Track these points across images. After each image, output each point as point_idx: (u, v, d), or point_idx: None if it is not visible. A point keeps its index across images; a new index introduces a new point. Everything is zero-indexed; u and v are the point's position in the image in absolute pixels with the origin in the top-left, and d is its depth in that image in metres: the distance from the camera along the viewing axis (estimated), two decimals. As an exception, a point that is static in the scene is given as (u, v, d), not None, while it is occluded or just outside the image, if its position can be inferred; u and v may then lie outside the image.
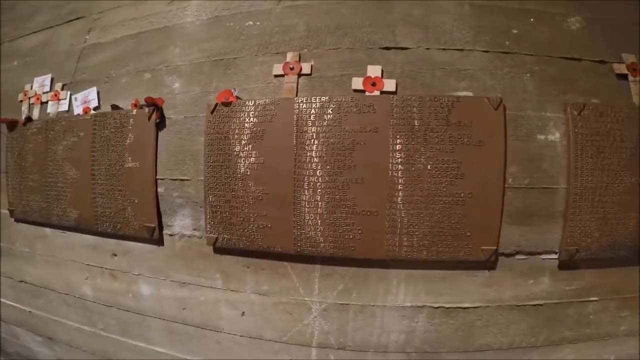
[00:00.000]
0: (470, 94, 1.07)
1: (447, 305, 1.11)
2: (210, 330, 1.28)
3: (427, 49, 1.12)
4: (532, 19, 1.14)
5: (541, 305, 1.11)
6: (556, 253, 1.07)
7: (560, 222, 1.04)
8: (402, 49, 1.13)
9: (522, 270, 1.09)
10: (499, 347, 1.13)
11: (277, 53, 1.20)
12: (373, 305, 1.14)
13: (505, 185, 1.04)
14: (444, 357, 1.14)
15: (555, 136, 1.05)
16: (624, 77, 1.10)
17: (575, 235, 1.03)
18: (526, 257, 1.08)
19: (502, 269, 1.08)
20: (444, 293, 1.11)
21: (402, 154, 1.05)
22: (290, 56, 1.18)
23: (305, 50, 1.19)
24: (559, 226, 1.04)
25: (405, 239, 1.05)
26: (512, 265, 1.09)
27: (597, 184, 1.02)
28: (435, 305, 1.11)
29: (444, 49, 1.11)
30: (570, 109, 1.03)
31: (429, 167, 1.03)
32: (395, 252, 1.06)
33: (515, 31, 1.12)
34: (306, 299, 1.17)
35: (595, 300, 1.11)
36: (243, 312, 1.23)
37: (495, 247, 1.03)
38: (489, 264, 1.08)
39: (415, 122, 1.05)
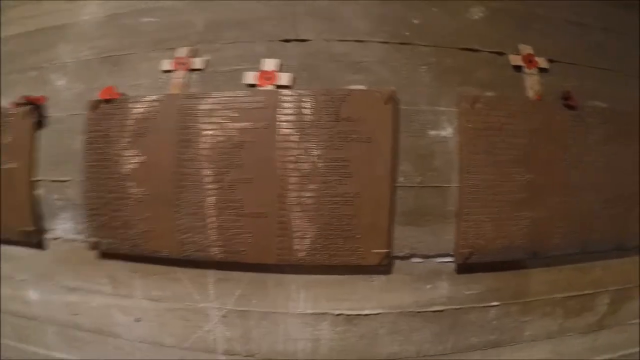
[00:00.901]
0: (363, 87, 1.02)
1: (347, 312, 1.06)
2: (107, 336, 1.20)
3: (327, 40, 1.06)
4: (434, 9, 1.09)
5: (442, 311, 1.06)
6: (452, 256, 1.02)
7: (454, 223, 1.00)
8: (302, 41, 1.07)
9: (419, 274, 1.04)
10: (408, 356, 1.08)
11: (170, 49, 1.13)
12: (275, 312, 1.08)
13: (396, 184, 0.99)
14: (354, 367, 1.12)
15: (448, 131, 1.01)
16: (519, 68, 1.07)
17: (468, 237, 0.99)
18: (422, 260, 1.03)
19: (399, 273, 1.04)
20: (345, 299, 1.06)
21: (293, 151, 0.99)
22: (181, 51, 1.10)
23: (202, 45, 1.11)
24: (452, 227, 1.00)
25: (296, 243, 0.99)
26: (409, 269, 1.04)
27: (489, 182, 0.98)
28: (336, 312, 1.05)
29: (343, 41, 1.05)
30: (463, 102, 0.99)
31: (319, 165, 0.97)
32: (287, 256, 1.00)
33: (416, 21, 1.07)
34: (202, 304, 1.10)
35: (497, 305, 1.08)
36: (138, 318, 1.15)
37: (388, 250, 0.98)
38: (384, 268, 1.03)
39: (307, 117, 0.99)
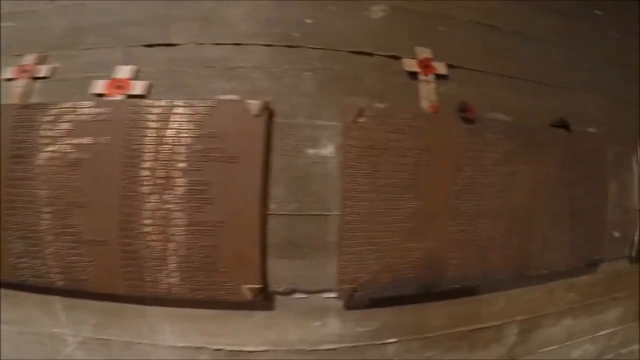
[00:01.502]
0: (235, 97, 0.87)
1: (228, 348, 0.93)
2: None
3: (200, 44, 0.90)
4: (332, 7, 0.95)
5: (335, 349, 0.95)
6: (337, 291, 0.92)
7: (335, 256, 0.88)
8: (170, 45, 0.91)
9: (303, 311, 0.93)
10: None
11: (18, 55, 0.95)
12: (140, 343, 0.94)
13: (268, 212, 0.85)
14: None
15: (329, 150, 0.88)
16: (415, 75, 0.96)
17: (349, 271, 0.87)
18: (306, 296, 0.91)
19: (282, 309, 0.92)
20: (220, 334, 0.93)
21: (142, 171, 0.82)
22: (27, 58, 0.94)
23: (56, 51, 0.95)
24: (333, 260, 0.88)
25: (149, 274, 0.84)
26: (291, 305, 0.92)
27: (372, 209, 0.87)
28: (214, 347, 0.93)
29: (218, 44, 0.90)
30: (345, 116, 0.86)
31: (174, 189, 0.82)
32: (139, 288, 0.85)
33: (309, 21, 0.94)
34: (55, 330, 0.94)
35: (395, 342, 0.99)
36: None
37: (261, 286, 0.85)
38: (265, 304, 0.90)
39: (161, 132, 0.82)
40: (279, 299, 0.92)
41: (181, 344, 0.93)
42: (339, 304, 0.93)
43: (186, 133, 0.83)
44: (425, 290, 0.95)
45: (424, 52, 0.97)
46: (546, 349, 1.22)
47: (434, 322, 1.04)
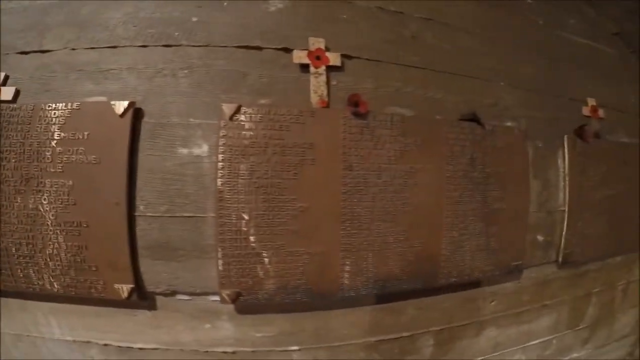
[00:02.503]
0: (103, 98, 0.84)
1: (116, 344, 0.93)
2: None
3: (73, 49, 0.88)
4: (225, 2, 0.92)
5: (234, 352, 0.93)
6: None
7: (214, 259, 0.85)
8: (44, 52, 0.89)
9: (193, 312, 0.90)
10: None
11: None
12: (29, 336, 0.95)
13: (136, 214, 0.83)
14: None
15: (203, 149, 0.84)
16: (307, 68, 0.91)
17: (231, 274, 0.84)
18: (190, 297, 0.89)
19: (166, 309, 0.90)
20: (108, 330, 0.92)
21: (8, 172, 0.80)
22: None
23: None
24: (213, 263, 0.85)
25: (19, 270, 0.83)
26: (176, 307, 0.90)
27: (251, 211, 0.83)
28: (102, 342, 0.92)
29: (92, 48, 0.87)
30: (222, 113, 0.82)
31: (39, 189, 0.80)
32: (14, 283, 0.84)
33: (195, 19, 0.90)
34: None
35: (298, 350, 0.96)
36: None
37: (133, 286, 0.83)
38: (147, 304, 0.88)
39: (27, 134, 0.80)
40: (162, 299, 0.90)
41: (69, 338, 0.93)
42: (231, 307, 0.90)
43: (47, 135, 0.80)
44: (319, 298, 0.90)
45: (316, 43, 0.92)
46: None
47: (340, 331, 1.00)
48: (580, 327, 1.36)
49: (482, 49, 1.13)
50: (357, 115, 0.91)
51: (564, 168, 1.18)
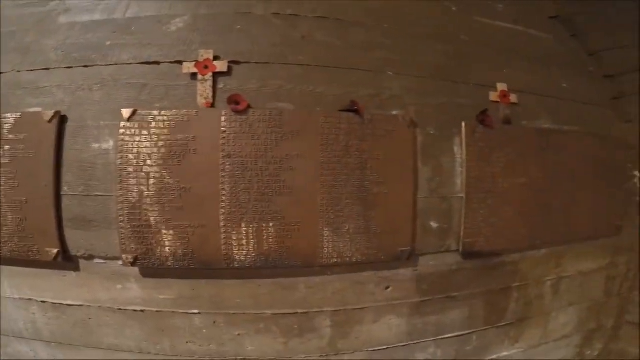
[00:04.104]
0: (39, 109, 1.09)
1: (51, 301, 1.16)
2: None
3: (19, 71, 1.15)
4: (134, 28, 1.14)
5: (142, 311, 1.12)
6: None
7: (118, 229, 1.06)
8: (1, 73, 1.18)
9: (107, 274, 1.11)
10: (129, 350, 1.16)
11: None
12: None
13: (62, 193, 1.07)
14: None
15: (110, 144, 1.06)
16: (196, 76, 1.08)
17: (129, 242, 1.04)
18: (105, 261, 1.10)
19: (87, 271, 1.12)
20: (45, 289, 1.16)
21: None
22: None
23: None
24: (117, 233, 1.05)
25: None
26: (95, 269, 1.12)
27: (143, 191, 1.02)
28: (41, 299, 1.16)
29: (32, 70, 1.15)
30: (121, 116, 1.04)
31: None
32: None
33: (109, 43, 1.14)
34: None
35: (199, 314, 1.12)
36: None
37: (59, 249, 1.06)
38: (72, 266, 1.11)
39: None
40: (84, 263, 1.12)
41: (17, 296, 1.18)
42: (137, 270, 1.10)
43: (4, 137, 1.09)
44: (205, 266, 1.06)
45: (205, 54, 1.10)
46: (380, 348, 1.21)
47: (235, 300, 1.13)
48: (503, 323, 1.30)
49: (374, 40, 1.20)
50: (237, 112, 1.07)
51: (462, 154, 1.18)
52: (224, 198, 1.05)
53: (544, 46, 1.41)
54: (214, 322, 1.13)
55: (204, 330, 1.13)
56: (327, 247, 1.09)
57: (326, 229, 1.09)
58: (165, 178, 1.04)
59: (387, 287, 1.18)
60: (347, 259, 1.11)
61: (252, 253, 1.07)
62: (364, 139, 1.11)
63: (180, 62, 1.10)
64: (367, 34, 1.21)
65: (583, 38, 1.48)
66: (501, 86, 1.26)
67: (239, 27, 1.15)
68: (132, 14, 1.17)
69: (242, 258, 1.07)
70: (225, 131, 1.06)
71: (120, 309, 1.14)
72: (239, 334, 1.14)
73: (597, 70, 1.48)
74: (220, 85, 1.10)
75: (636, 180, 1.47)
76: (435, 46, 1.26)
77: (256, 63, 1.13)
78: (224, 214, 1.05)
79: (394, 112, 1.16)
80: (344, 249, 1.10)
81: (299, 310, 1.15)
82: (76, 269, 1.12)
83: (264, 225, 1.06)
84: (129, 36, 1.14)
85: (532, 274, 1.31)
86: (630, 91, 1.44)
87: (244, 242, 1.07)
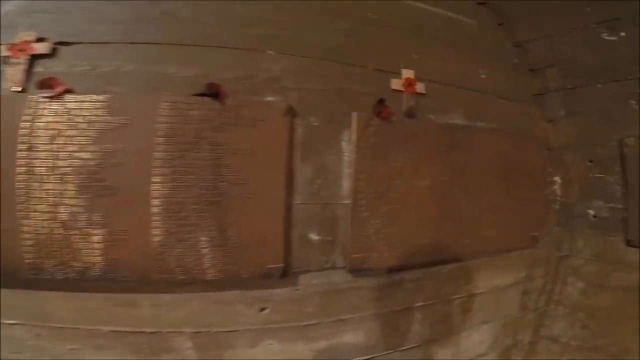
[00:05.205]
0: None
1: None
2: None
3: None
4: None
5: None
6: None
7: None
8: None
9: None
10: None
11: None
12: None
13: None
14: None
15: None
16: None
17: None
18: None
19: None
20: None
21: None
22: None
23: None
24: None
25: None
26: None
27: None
28: None
29: None
30: None
31: None
32: None
33: None
34: None
35: (20, 325, 0.87)
36: None
37: None
38: None
39: None
40: None
41: None
42: None
43: None
44: (10, 276, 0.80)
45: (25, 37, 0.83)
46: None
47: (59, 313, 0.89)
48: (407, 347, 1.12)
49: (257, 16, 0.97)
50: (49, 97, 0.81)
51: (351, 151, 0.97)
52: (24, 199, 0.79)
53: (465, 32, 1.24)
54: (39, 335, 0.88)
55: (29, 342, 0.89)
56: (169, 262, 0.86)
57: (165, 240, 0.85)
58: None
59: (263, 309, 0.97)
60: (199, 276, 0.88)
61: (68, 267, 0.82)
62: (222, 130, 0.87)
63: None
64: (251, 9, 0.97)
65: (510, 27, 1.34)
66: (407, 73, 1.07)
67: (82, 6, 0.89)
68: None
69: (53, 268, 0.81)
70: (31, 119, 0.79)
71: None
72: (73, 349, 0.90)
73: (523, 62, 1.33)
74: (39, 69, 0.84)
75: (556, 186, 1.36)
76: (335, 23, 1.05)
77: (91, 43, 0.88)
78: (26, 217, 0.79)
79: (269, 98, 0.94)
80: (192, 264, 0.87)
81: (147, 329, 0.92)
82: None
83: (79, 233, 0.81)
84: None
85: (438, 292, 1.14)
86: (555, 87, 1.32)
87: (56, 250, 0.81)
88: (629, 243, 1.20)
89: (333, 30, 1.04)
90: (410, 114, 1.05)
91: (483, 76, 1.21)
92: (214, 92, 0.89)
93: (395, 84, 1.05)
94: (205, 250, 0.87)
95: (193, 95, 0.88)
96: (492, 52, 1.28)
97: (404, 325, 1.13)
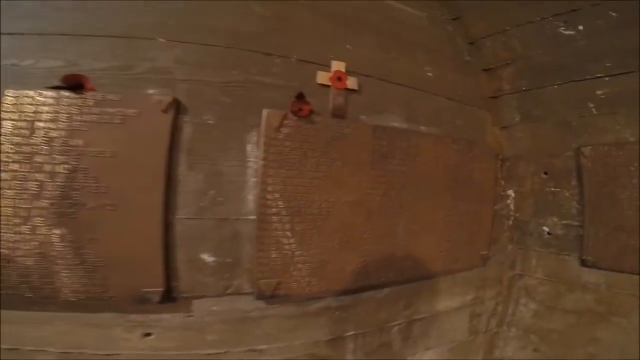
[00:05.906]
0: None
1: None
2: None
3: None
4: None
5: None
6: None
7: None
8: None
9: None
10: None
11: None
12: None
13: None
14: None
15: None
16: None
17: None
18: None
19: None
20: None
21: None
22: None
23: None
24: None
25: None
26: None
27: None
28: None
29: None
30: None
31: None
32: None
33: None
34: None
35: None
36: None
37: None
38: None
39: None
40: None
41: None
42: None
43: None
44: None
45: None
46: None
47: None
48: (340, 379, 1.01)
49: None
50: None
51: (258, 157, 0.80)
52: None
53: (412, 25, 1.09)
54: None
55: None
56: (12, 277, 0.68)
57: (7, 255, 0.67)
58: None
59: (148, 334, 0.81)
60: (50, 295, 0.70)
61: None
62: (79, 128, 0.69)
63: None
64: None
65: (464, 22, 1.21)
66: (337, 65, 0.91)
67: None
68: None
69: None
70: None
71: None
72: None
73: (476, 61, 1.19)
74: None
75: (510, 200, 1.24)
76: (250, 7, 0.87)
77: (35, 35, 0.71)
78: None
79: (150, 92, 0.76)
80: (39, 283, 0.69)
81: (4, 346, 0.75)
82: None
83: None
84: None
85: (372, 320, 1.00)
86: (509, 88, 1.19)
87: None
88: (583, 263, 1.10)
89: (248, 15, 0.86)
90: (337, 113, 0.89)
91: (429, 74, 1.07)
92: (74, 85, 0.71)
93: (322, 77, 0.89)
94: (56, 268, 0.70)
95: (49, 87, 0.70)
96: (441, 48, 1.14)
97: (335, 356, 0.99)
